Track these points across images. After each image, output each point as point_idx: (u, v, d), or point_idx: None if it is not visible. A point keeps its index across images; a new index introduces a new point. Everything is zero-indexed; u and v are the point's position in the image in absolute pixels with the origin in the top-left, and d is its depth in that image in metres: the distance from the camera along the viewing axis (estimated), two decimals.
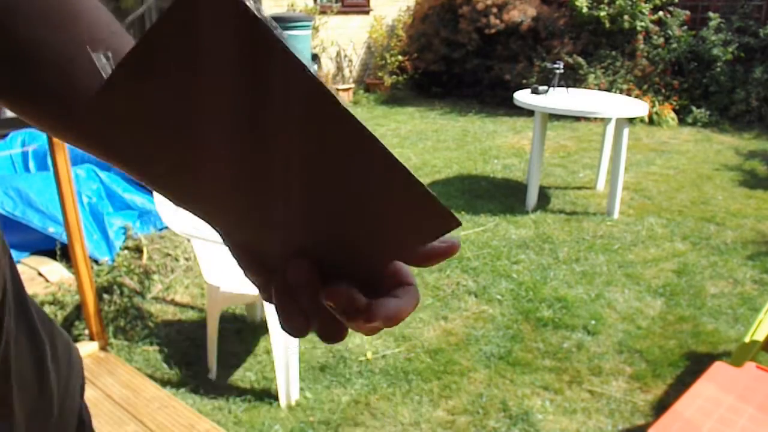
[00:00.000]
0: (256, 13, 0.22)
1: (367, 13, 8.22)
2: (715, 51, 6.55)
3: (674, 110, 6.64)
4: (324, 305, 0.33)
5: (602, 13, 6.78)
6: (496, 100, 7.41)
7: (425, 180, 4.67)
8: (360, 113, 6.98)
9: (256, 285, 0.39)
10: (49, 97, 0.40)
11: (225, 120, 0.26)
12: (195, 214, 0.35)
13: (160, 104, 0.26)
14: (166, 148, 0.28)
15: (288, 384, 2.12)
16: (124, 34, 0.42)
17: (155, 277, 2.93)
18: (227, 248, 0.39)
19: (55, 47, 0.39)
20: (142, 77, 0.25)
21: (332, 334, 0.35)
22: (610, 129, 4.18)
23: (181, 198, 0.34)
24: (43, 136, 3.12)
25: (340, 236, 0.32)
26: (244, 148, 0.28)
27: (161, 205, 2.12)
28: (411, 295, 0.35)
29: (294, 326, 0.35)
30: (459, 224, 0.29)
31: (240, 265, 0.38)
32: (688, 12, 6.90)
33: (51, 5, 0.39)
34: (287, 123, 0.26)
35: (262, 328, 2.58)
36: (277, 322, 0.37)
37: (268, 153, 0.27)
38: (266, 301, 0.38)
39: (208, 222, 0.36)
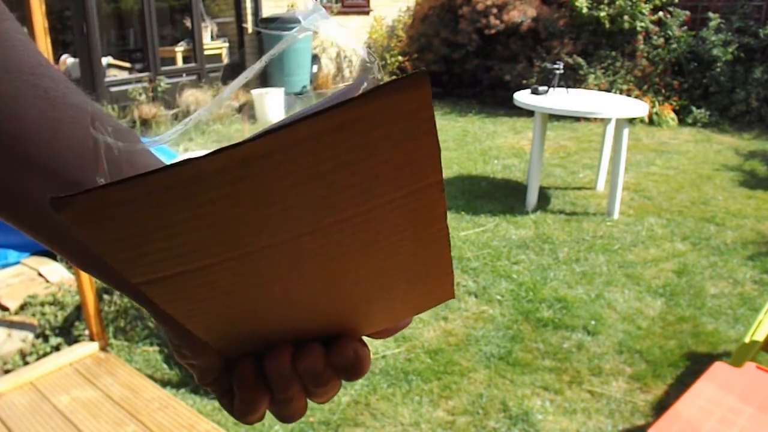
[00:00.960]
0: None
1: (367, 13, 8.22)
2: (715, 51, 6.55)
3: (674, 110, 6.63)
4: (295, 391, 0.31)
5: (602, 14, 6.78)
6: (496, 100, 7.41)
7: None
8: None
9: (192, 367, 0.33)
10: None
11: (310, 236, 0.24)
12: (152, 315, 0.31)
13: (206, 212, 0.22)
14: (176, 259, 0.24)
15: None
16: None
17: None
18: (159, 322, 0.32)
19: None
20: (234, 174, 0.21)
21: (295, 414, 0.33)
22: (610, 129, 4.18)
23: (149, 307, 0.30)
24: None
25: (340, 320, 0.31)
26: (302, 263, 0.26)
27: None
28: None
29: (256, 417, 0.32)
30: (453, 297, 0.31)
31: (177, 345, 0.33)
32: (688, 12, 6.90)
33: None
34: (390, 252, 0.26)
35: None
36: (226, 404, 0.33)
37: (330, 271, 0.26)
38: (205, 386, 0.34)
39: (157, 318, 0.31)
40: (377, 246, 0.25)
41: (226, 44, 7.24)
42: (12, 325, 2.51)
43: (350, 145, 0.21)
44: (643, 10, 6.76)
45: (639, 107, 3.80)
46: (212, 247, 0.23)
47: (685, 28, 6.92)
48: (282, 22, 6.73)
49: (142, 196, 0.21)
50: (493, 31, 7.24)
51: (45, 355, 2.29)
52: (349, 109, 0.20)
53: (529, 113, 6.42)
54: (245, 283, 0.26)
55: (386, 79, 0.22)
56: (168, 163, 0.22)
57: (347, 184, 0.22)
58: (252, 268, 0.25)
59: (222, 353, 0.32)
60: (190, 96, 6.18)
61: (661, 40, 6.92)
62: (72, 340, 2.41)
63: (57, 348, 2.36)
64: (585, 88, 6.42)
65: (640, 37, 6.92)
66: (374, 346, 2.50)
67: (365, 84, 0.27)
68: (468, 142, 5.86)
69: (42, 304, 2.61)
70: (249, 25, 7.08)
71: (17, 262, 2.98)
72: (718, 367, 1.77)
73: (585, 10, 6.85)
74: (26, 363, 2.28)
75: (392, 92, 0.20)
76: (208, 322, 0.28)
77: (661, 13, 6.92)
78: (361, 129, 0.21)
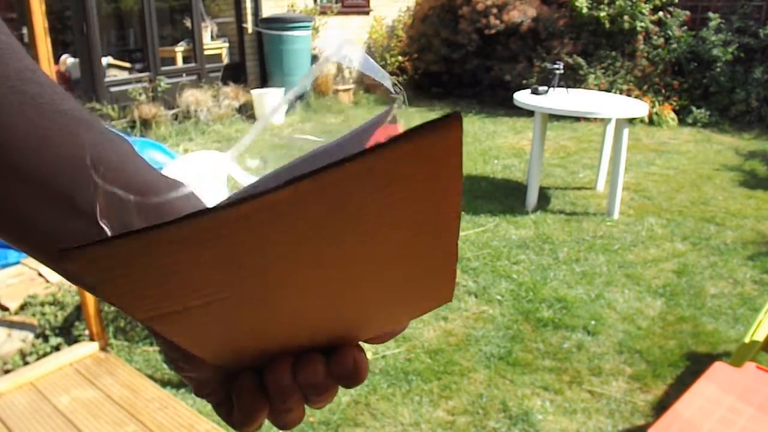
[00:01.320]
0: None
1: (367, 13, 8.22)
2: (715, 51, 6.55)
3: (674, 110, 6.64)
4: (295, 401, 0.31)
5: (602, 14, 6.78)
6: (496, 100, 7.41)
7: None
8: (360, 114, 6.98)
9: (189, 379, 0.33)
10: None
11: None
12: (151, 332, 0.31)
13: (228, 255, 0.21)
14: (195, 293, 0.23)
15: None
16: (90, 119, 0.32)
17: None
18: (155, 337, 0.32)
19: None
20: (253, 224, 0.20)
21: (294, 422, 0.33)
22: (610, 129, 4.18)
23: (153, 328, 0.29)
24: None
25: (342, 332, 0.31)
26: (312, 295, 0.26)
27: None
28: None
29: (255, 427, 0.32)
30: (451, 300, 0.30)
31: (173, 358, 0.32)
32: (688, 12, 6.90)
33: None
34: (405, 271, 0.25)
35: None
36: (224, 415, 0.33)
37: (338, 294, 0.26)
38: (201, 397, 0.34)
39: (155, 334, 0.31)
40: (386, 271, 0.25)
41: (226, 44, 7.23)
42: (12, 325, 2.51)
43: (364, 195, 0.20)
44: (643, 10, 6.76)
45: (639, 107, 3.80)
46: (219, 283, 0.23)
47: (685, 28, 6.92)
48: (282, 23, 6.74)
49: (155, 247, 0.20)
50: (493, 31, 7.24)
51: (45, 355, 2.29)
52: (361, 162, 0.19)
53: (529, 113, 6.42)
54: (253, 312, 0.26)
55: (408, 110, 0.22)
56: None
57: (359, 231, 0.22)
58: (260, 297, 0.25)
59: (222, 367, 0.32)
60: (190, 96, 6.18)
61: (661, 40, 6.92)
62: (72, 340, 2.41)
63: (57, 348, 2.36)
64: (585, 88, 6.42)
65: (640, 37, 6.92)
66: (374, 346, 2.50)
67: (390, 116, 0.28)
68: (468, 142, 5.86)
69: (42, 304, 2.61)
70: (249, 25, 7.08)
71: (17, 262, 2.98)
72: (718, 367, 1.76)
73: (585, 10, 6.85)
74: (26, 363, 2.28)
75: (417, 138, 0.18)
76: (214, 348, 0.28)
77: (661, 13, 6.92)
78: (374, 182, 0.19)
